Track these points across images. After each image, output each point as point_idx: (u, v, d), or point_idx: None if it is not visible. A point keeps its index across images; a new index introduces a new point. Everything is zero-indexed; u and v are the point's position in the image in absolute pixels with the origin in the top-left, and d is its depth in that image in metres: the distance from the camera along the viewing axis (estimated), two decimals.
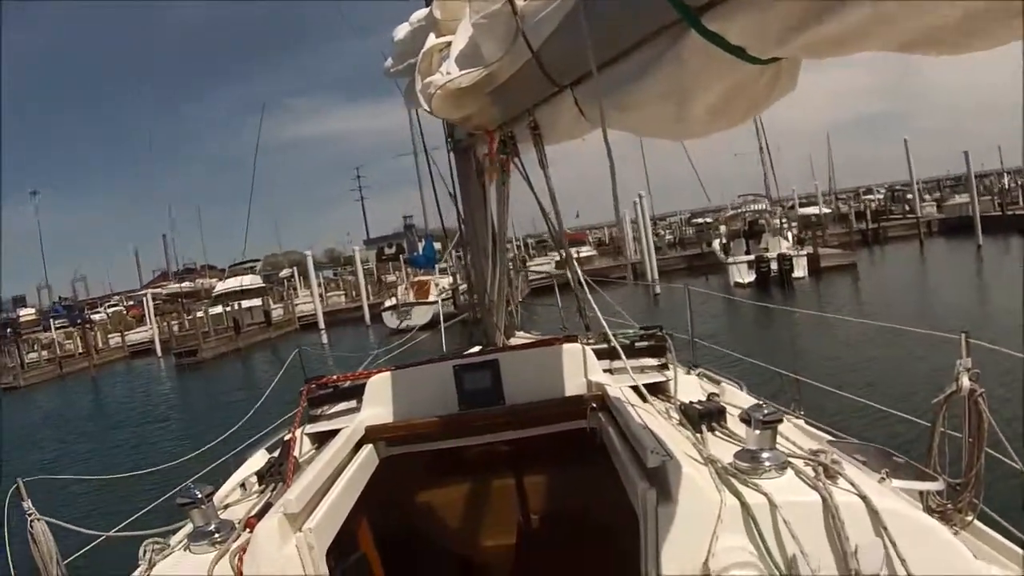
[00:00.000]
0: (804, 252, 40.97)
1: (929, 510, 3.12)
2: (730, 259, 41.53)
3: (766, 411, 2.91)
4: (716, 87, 2.08)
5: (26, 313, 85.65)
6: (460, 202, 5.97)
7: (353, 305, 57.33)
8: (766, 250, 40.63)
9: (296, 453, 3.99)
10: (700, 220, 78.81)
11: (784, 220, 46.82)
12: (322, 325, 49.43)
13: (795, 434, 3.41)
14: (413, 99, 4.97)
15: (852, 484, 2.71)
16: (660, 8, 1.95)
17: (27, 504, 3.21)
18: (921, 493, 3.19)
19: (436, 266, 49.19)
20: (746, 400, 4.26)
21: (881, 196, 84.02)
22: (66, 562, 3.26)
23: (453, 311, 37.70)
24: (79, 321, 70.92)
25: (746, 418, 2.94)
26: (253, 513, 3.29)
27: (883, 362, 16.85)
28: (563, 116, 3.11)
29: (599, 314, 4.40)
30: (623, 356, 4.17)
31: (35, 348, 62.66)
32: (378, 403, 4.44)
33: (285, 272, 72.78)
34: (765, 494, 2.64)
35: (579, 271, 4.60)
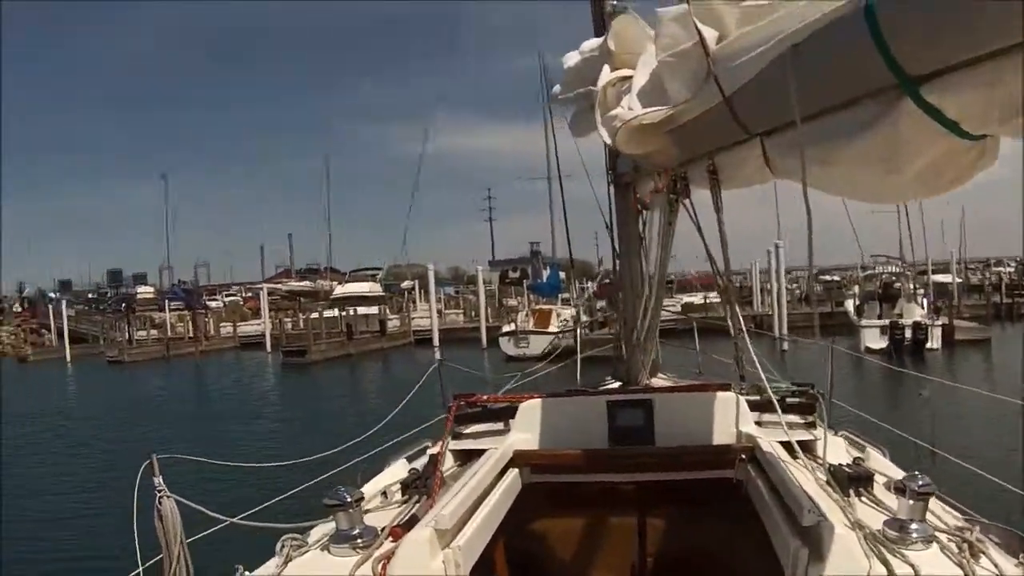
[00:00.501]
0: (939, 322, 40.03)
1: None
2: (863, 322, 40.56)
3: (920, 482, 2.94)
4: (924, 157, 2.10)
5: (144, 291, 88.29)
6: (616, 236, 6.01)
7: (470, 325, 57.17)
8: (900, 316, 39.59)
9: (441, 468, 4.08)
10: (828, 277, 77.40)
11: (916, 286, 45.47)
12: (436, 342, 48.82)
13: (934, 507, 3.40)
14: (582, 128, 5.09)
15: (995, 565, 2.75)
16: (877, 71, 1.96)
17: (158, 480, 3.28)
18: None
19: (560, 296, 49.04)
20: (889, 467, 4.25)
21: (1012, 269, 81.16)
22: (189, 541, 3.34)
23: (572, 344, 39.12)
24: (195, 306, 73.02)
25: (901, 487, 2.97)
26: (398, 523, 3.41)
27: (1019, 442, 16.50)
28: (746, 164, 3.13)
29: (759, 366, 4.42)
30: (779, 411, 4.19)
31: (146, 326, 64.95)
32: (528, 429, 4.57)
33: (407, 283, 73.43)
34: (912, 566, 2.68)
35: (742, 321, 4.63)
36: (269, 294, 73.14)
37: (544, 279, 51.63)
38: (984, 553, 2.80)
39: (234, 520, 3.89)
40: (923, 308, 41.30)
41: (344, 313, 57.63)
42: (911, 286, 44.60)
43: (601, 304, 47.17)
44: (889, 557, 2.72)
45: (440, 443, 4.52)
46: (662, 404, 4.55)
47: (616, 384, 6.20)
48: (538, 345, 39.36)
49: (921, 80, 1.90)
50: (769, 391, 4.40)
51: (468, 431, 5.10)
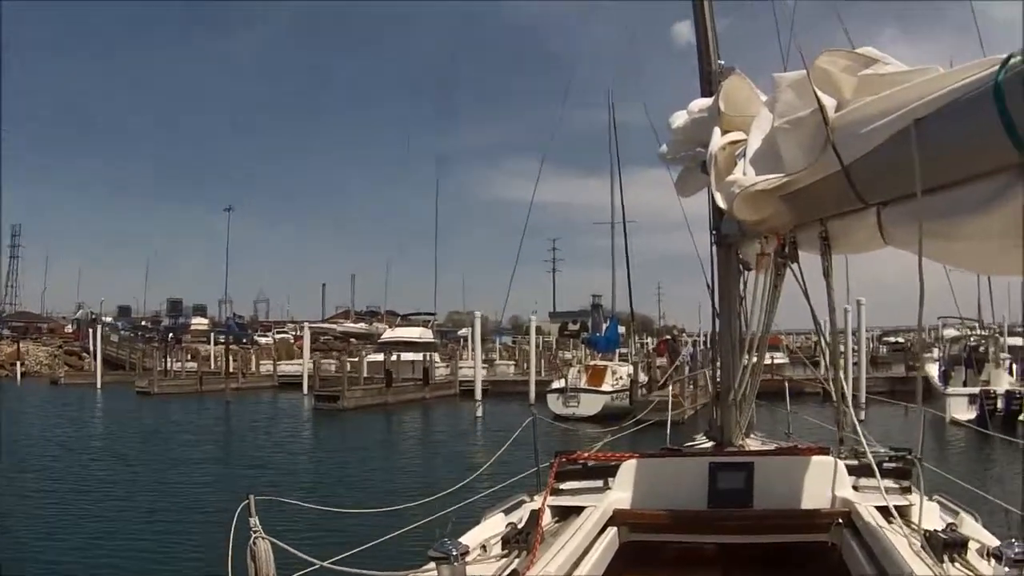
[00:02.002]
0: None
1: None
2: (949, 389, 36.79)
3: (1017, 549, 3.01)
4: None
5: (199, 322, 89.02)
6: (717, 296, 6.13)
7: (521, 378, 53.10)
8: (987, 383, 36.66)
9: (542, 523, 4.18)
10: (893, 339, 75.98)
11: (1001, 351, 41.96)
12: (479, 396, 43.69)
13: None
14: (689, 188, 5.29)
15: None
16: (1003, 149, 2.10)
17: (254, 520, 3.41)
18: None
19: (617, 351, 46.28)
20: (982, 533, 4.30)
21: None
22: None
23: (627, 406, 36.72)
24: (244, 340, 73.02)
25: (997, 554, 3.04)
26: None
27: None
28: (859, 231, 3.26)
29: (860, 432, 4.53)
30: (878, 475, 4.29)
31: (185, 358, 64.42)
32: (628, 487, 4.70)
33: (464, 331, 72.84)
34: None
35: (845, 385, 4.75)
36: (323, 334, 72.19)
37: (602, 332, 48.51)
38: None
39: (326, 564, 3.94)
40: (1011, 375, 38.80)
41: (393, 358, 54.91)
42: (996, 351, 41.47)
43: (661, 362, 46.12)
44: None
45: (541, 498, 4.61)
46: (762, 467, 4.69)
47: (709, 443, 6.32)
48: (590, 405, 37.72)
49: None
50: (869, 455, 4.51)
51: (566, 487, 5.20)
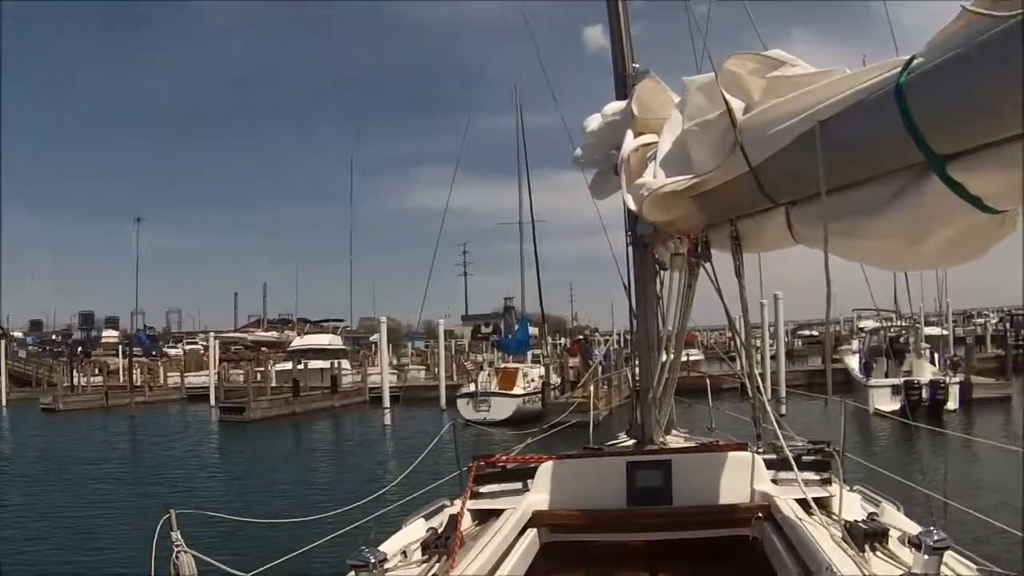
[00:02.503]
0: (957, 379, 36.19)
1: None
2: (872, 381, 36.64)
3: (936, 537, 3.09)
4: (947, 230, 2.31)
5: (108, 335, 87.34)
6: (633, 296, 6.23)
7: (433, 383, 50.73)
8: (909, 373, 36.22)
9: (461, 527, 4.21)
10: (807, 332, 76.90)
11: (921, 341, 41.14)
12: (387, 403, 42.35)
13: (949, 560, 3.56)
14: (603, 190, 5.36)
15: None
16: (906, 149, 2.18)
17: (175, 535, 3.42)
18: None
19: (529, 352, 45.74)
20: (904, 521, 4.41)
21: (995, 320, 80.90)
22: None
23: (539, 408, 36.31)
24: (153, 353, 71.65)
25: (916, 542, 3.12)
26: None
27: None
28: (769, 230, 3.36)
29: (776, 425, 4.64)
30: (796, 469, 4.38)
31: (91, 373, 62.27)
32: (546, 489, 4.75)
33: (376, 337, 72.32)
34: None
35: (760, 381, 4.85)
36: (233, 343, 70.84)
37: (513, 334, 47.60)
38: None
39: (250, 575, 3.97)
40: (934, 364, 38.68)
41: (291, 367, 53.50)
42: (917, 341, 40.72)
43: (574, 362, 45.88)
44: None
45: (459, 502, 4.64)
46: (680, 464, 4.76)
47: (631, 442, 6.42)
48: (501, 409, 36.59)
49: (947, 158, 2.12)
50: (786, 449, 4.63)
51: (485, 490, 5.24)
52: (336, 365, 54.37)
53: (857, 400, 33.80)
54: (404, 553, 4.16)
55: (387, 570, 3.61)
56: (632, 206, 3.96)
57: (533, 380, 40.67)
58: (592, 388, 34.15)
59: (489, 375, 41.02)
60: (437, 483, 6.17)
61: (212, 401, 49.71)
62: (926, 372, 36.29)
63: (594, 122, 5.20)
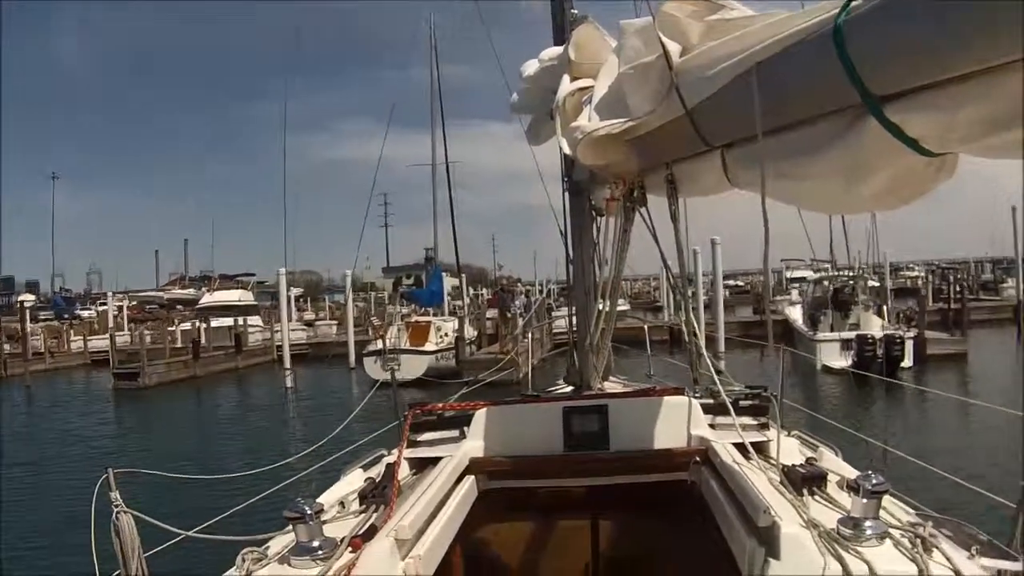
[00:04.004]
0: (911, 334, 34.03)
1: None
2: (819, 335, 34.74)
3: (874, 480, 3.16)
4: (885, 172, 2.35)
5: (26, 299, 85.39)
6: (570, 242, 6.30)
7: (345, 339, 47.67)
8: (856, 326, 34.81)
9: (398, 477, 4.24)
10: (732, 282, 77.00)
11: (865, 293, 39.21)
12: (287, 363, 39.31)
13: (887, 504, 3.67)
14: (539, 136, 5.40)
15: (947, 558, 2.98)
16: (843, 90, 2.20)
17: (115, 495, 3.34)
18: (1000, 572, 3.43)
19: (447, 304, 44.76)
20: (842, 466, 4.50)
21: (922, 273, 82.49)
22: (147, 556, 3.42)
23: (453, 366, 35.73)
24: (65, 316, 70.10)
25: (855, 486, 3.18)
26: (357, 534, 3.53)
27: (975, 442, 17.16)
28: (705, 174, 3.40)
29: (712, 370, 4.72)
30: (732, 413, 4.47)
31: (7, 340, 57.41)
32: (483, 436, 4.82)
33: (296, 291, 70.82)
34: (867, 562, 2.90)
35: (696, 326, 4.94)
36: (148, 303, 69.54)
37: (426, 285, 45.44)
38: (937, 548, 3.02)
39: (191, 534, 3.95)
40: (882, 318, 36.99)
41: (205, 326, 51.96)
42: (866, 293, 39.43)
43: (492, 314, 44.68)
44: (844, 554, 2.94)
45: (396, 452, 4.66)
46: (617, 409, 4.83)
47: (568, 388, 6.52)
48: (412, 367, 33.83)
49: (885, 100, 2.15)
50: (723, 393, 4.72)
51: (423, 439, 5.29)
52: (242, 323, 51.82)
53: (801, 355, 32.67)
54: (342, 504, 4.15)
55: (324, 521, 3.57)
56: (567, 150, 3.99)
57: (447, 335, 39.34)
58: (512, 343, 33.89)
59: (400, 330, 39.12)
60: (377, 433, 6.21)
61: (112, 366, 45.13)
62: (874, 326, 34.70)
63: (531, 67, 5.24)
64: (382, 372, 32.73)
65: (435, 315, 42.62)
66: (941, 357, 34.84)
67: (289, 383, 37.25)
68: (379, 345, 36.53)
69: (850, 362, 30.86)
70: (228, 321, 52.85)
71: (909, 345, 32.78)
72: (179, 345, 49.17)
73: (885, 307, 39.00)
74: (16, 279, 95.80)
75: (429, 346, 37.72)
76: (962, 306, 44.10)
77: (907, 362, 32.30)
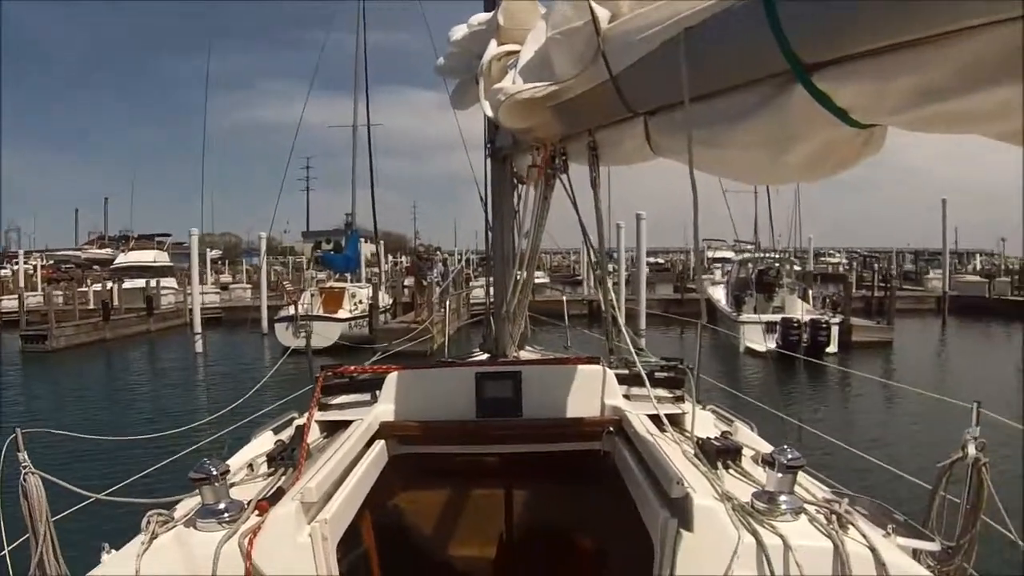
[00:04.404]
0: (836, 320, 34.11)
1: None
2: (743, 316, 34.28)
3: (790, 455, 3.20)
4: (811, 142, 2.32)
5: None
6: (490, 210, 6.27)
7: (259, 304, 46.63)
8: (780, 309, 34.81)
9: (308, 439, 4.20)
10: (652, 260, 78.08)
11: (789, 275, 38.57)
12: (198, 328, 38.71)
13: (802, 480, 3.69)
14: (464, 101, 5.34)
15: (863, 535, 3.02)
16: (771, 57, 2.17)
17: (23, 455, 3.32)
18: (915, 552, 3.49)
19: (363, 270, 44.40)
20: (757, 441, 4.58)
21: (844, 261, 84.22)
22: (55, 519, 3.38)
23: (367, 335, 35.20)
24: None
25: (770, 460, 3.22)
26: (264, 496, 3.51)
27: (896, 428, 18.14)
28: (627, 141, 3.36)
29: (629, 341, 4.72)
30: (647, 383, 4.48)
31: None
32: (395, 400, 4.77)
33: (214, 253, 69.99)
34: (781, 536, 2.94)
35: (613, 298, 4.93)
36: (65, 262, 68.16)
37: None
38: (852, 524, 3.07)
39: (99, 497, 3.91)
40: (807, 302, 36.83)
41: (102, 287, 50.87)
42: (791, 275, 38.88)
43: (408, 282, 44.21)
44: (758, 528, 2.98)
45: (307, 415, 4.61)
46: (530, 376, 4.82)
47: (484, 356, 6.50)
48: (324, 334, 33.35)
49: (814, 68, 2.11)
50: (639, 364, 4.73)
51: (335, 402, 5.27)
52: (154, 284, 50.75)
53: (724, 337, 32.88)
54: (250, 466, 4.16)
55: (232, 484, 3.55)
56: (489, 112, 3.95)
57: (361, 302, 39.24)
58: (428, 312, 33.64)
59: (312, 296, 38.87)
60: (291, 396, 6.17)
61: (23, 327, 43.47)
62: (798, 309, 34.82)
63: (459, 32, 5.22)
64: (293, 339, 33.29)
65: (352, 281, 42.25)
66: (866, 344, 35.03)
67: (199, 348, 36.88)
68: (291, 311, 36.27)
69: (774, 345, 30.81)
70: (142, 283, 51.64)
71: (835, 331, 32.99)
72: (92, 307, 48.07)
73: (810, 291, 39.03)
74: None
75: (343, 313, 37.46)
76: (890, 294, 42.90)
77: (832, 348, 32.44)
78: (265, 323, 42.29)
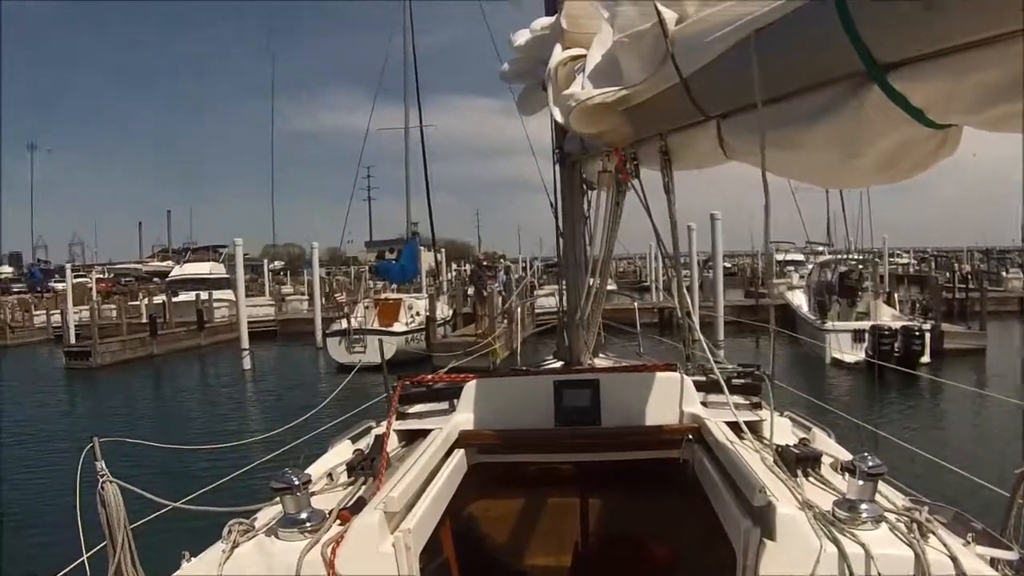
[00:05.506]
0: (928, 326, 31.14)
1: None
2: (829, 324, 31.37)
3: (871, 462, 3.21)
4: (886, 143, 2.34)
5: (1, 272, 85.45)
6: (560, 215, 6.33)
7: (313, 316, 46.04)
8: (865, 315, 32.47)
9: (387, 449, 4.26)
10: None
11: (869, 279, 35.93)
12: (245, 343, 37.39)
13: (881, 488, 3.68)
14: (530, 106, 5.41)
15: (944, 544, 3.02)
16: (845, 57, 2.18)
17: (100, 464, 3.41)
18: (993, 561, 3.47)
19: (423, 280, 43.32)
20: (835, 448, 4.57)
21: (913, 262, 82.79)
22: (133, 527, 3.48)
23: (423, 350, 33.95)
24: (38, 289, 70.00)
25: (851, 467, 3.24)
26: (345, 506, 3.58)
27: (986, 440, 17.51)
28: (699, 145, 3.40)
29: (706, 347, 4.75)
30: (726, 391, 4.50)
31: None
32: (473, 409, 4.86)
33: (276, 264, 70.36)
34: (862, 544, 2.95)
35: (689, 302, 4.96)
36: (125, 275, 69.09)
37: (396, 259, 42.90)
38: (933, 533, 3.08)
39: (177, 504, 3.99)
40: (892, 306, 34.88)
41: (171, 300, 50.89)
42: (875, 279, 37.00)
43: (472, 291, 42.05)
44: (839, 536, 2.98)
45: (385, 424, 4.68)
46: (609, 384, 4.86)
47: (558, 364, 6.56)
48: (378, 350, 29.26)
49: (889, 67, 2.12)
50: (716, 371, 4.75)
51: (412, 411, 5.37)
52: (206, 297, 50.52)
53: (807, 346, 31.14)
54: (330, 476, 4.22)
55: (312, 493, 3.62)
56: (559, 118, 4.00)
57: (419, 314, 37.77)
58: (489, 325, 32.63)
59: (367, 308, 37.39)
60: (365, 405, 6.27)
61: (71, 339, 45.17)
62: (885, 315, 32.66)
63: (522, 37, 5.28)
64: (347, 354, 32.85)
65: (414, 292, 41.27)
66: (959, 352, 32.24)
67: (247, 365, 36.01)
68: (344, 325, 35.18)
69: (863, 355, 28.58)
70: (195, 296, 51.71)
71: (927, 338, 30.11)
72: (144, 321, 47.73)
73: (896, 295, 37.03)
74: None
75: (398, 326, 35.96)
76: (980, 295, 39.41)
77: (926, 357, 29.66)
78: (319, 336, 41.43)
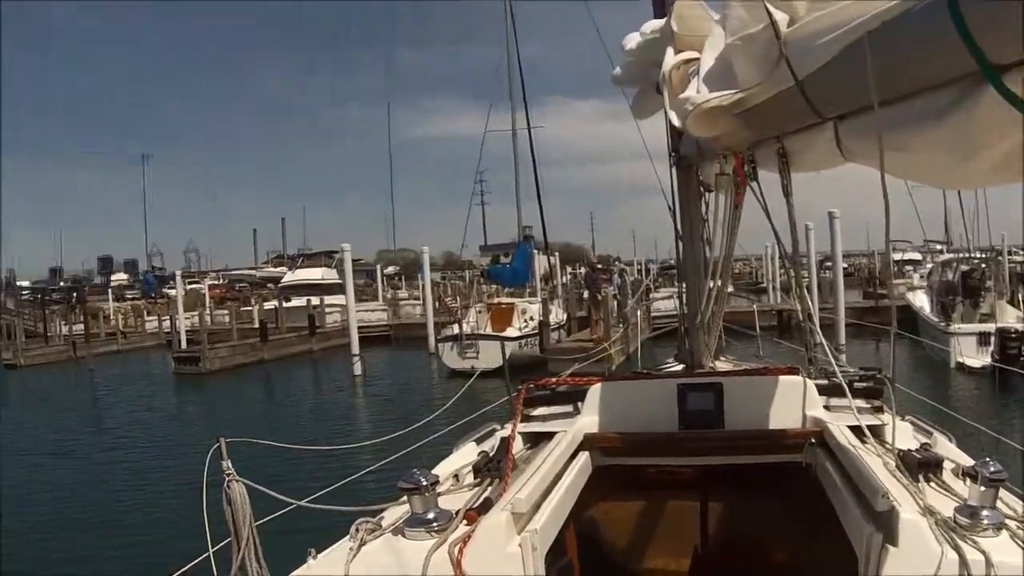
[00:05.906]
0: None
1: None
2: (954, 327, 29.54)
3: (992, 468, 3.21)
4: (1003, 144, 2.34)
5: (118, 278, 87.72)
6: (679, 219, 6.39)
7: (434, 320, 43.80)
8: (988, 316, 30.10)
9: (512, 451, 4.36)
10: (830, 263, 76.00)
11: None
12: (356, 348, 36.71)
13: (1002, 494, 3.66)
14: (644, 110, 5.48)
15: None
16: (959, 58, 2.20)
17: (226, 464, 3.50)
18: None
19: (530, 284, 41.51)
20: (957, 453, 4.53)
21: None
22: (258, 524, 3.55)
23: (536, 353, 33.46)
24: (152, 295, 71.87)
25: (972, 473, 3.23)
26: (472, 506, 3.66)
27: None
28: (817, 147, 3.43)
29: (828, 351, 4.76)
30: (849, 395, 4.51)
31: (62, 321, 58.51)
32: (597, 411, 4.95)
33: (390, 269, 70.73)
34: (983, 552, 2.94)
35: (812, 306, 4.98)
36: (239, 281, 70.16)
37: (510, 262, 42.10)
38: None
39: (302, 503, 4.12)
40: (1017, 307, 32.33)
41: (282, 306, 52.78)
42: (999, 278, 34.15)
43: (587, 294, 41.02)
44: (961, 543, 2.97)
45: (510, 426, 4.80)
46: (732, 388, 4.91)
47: (680, 367, 6.63)
48: (492, 355, 30.13)
49: (1003, 69, 2.14)
50: (839, 374, 4.77)
51: (536, 414, 5.46)
52: (318, 303, 51.10)
53: (929, 348, 29.18)
54: (456, 476, 4.32)
55: (439, 493, 3.72)
56: (676, 122, 4.06)
57: (533, 318, 36.88)
58: (604, 330, 32.09)
59: (479, 312, 36.58)
60: (489, 407, 6.39)
61: (182, 346, 44.60)
62: (1009, 317, 30.23)
63: (633, 41, 5.31)
64: (459, 360, 32.80)
65: (528, 296, 40.55)
66: None
67: (358, 371, 35.96)
68: (456, 330, 34.63)
69: (989, 360, 26.51)
70: (306, 301, 52.58)
71: None
72: (255, 326, 48.75)
73: (1019, 294, 34.58)
74: (115, 259, 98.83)
75: (512, 331, 34.86)
76: None
77: None
78: (432, 342, 40.80)
